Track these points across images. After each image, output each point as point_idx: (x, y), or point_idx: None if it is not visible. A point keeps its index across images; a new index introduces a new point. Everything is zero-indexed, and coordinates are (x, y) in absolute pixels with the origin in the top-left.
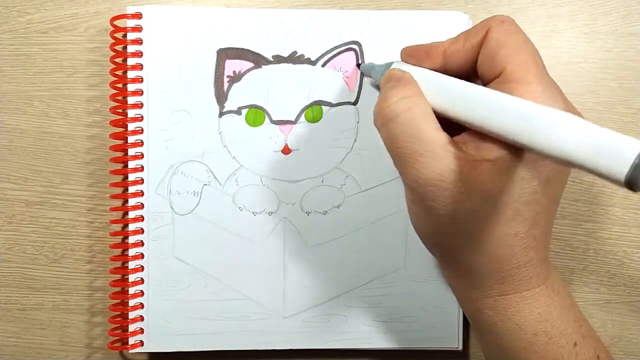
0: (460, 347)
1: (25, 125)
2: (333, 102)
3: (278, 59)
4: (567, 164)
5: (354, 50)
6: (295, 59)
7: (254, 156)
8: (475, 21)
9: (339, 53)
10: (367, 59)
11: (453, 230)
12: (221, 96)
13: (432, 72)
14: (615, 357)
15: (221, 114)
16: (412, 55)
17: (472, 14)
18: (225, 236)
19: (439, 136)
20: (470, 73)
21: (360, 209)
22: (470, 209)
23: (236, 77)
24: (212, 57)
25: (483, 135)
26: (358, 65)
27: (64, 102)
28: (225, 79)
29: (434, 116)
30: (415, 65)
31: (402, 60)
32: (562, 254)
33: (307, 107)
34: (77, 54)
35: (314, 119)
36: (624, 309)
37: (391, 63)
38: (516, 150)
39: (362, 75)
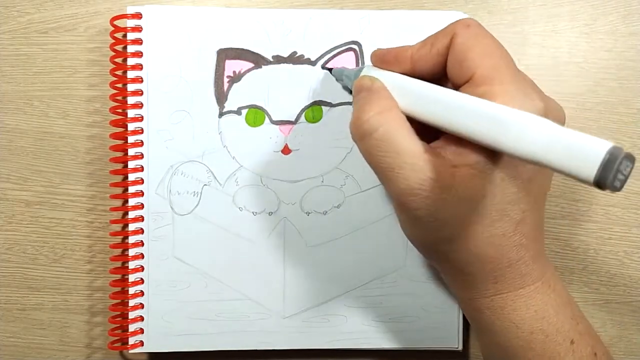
0: (460, 347)
1: (25, 125)
2: (333, 102)
3: (278, 59)
4: (538, 165)
5: (354, 50)
6: (295, 59)
7: (254, 156)
8: None
9: (339, 53)
10: (367, 59)
11: (442, 236)
12: (221, 96)
13: (403, 76)
14: (615, 357)
15: (221, 114)
16: (381, 59)
17: (472, 14)
18: (225, 236)
19: (416, 147)
20: (440, 76)
21: (360, 209)
22: (455, 214)
23: (236, 77)
24: (212, 57)
25: (460, 139)
26: (329, 69)
27: (64, 102)
28: (225, 79)
29: (409, 126)
30: (384, 69)
31: (373, 64)
32: (562, 254)
33: (307, 107)
34: (77, 54)
35: (314, 119)
36: (624, 309)
37: (362, 68)
38: (494, 152)
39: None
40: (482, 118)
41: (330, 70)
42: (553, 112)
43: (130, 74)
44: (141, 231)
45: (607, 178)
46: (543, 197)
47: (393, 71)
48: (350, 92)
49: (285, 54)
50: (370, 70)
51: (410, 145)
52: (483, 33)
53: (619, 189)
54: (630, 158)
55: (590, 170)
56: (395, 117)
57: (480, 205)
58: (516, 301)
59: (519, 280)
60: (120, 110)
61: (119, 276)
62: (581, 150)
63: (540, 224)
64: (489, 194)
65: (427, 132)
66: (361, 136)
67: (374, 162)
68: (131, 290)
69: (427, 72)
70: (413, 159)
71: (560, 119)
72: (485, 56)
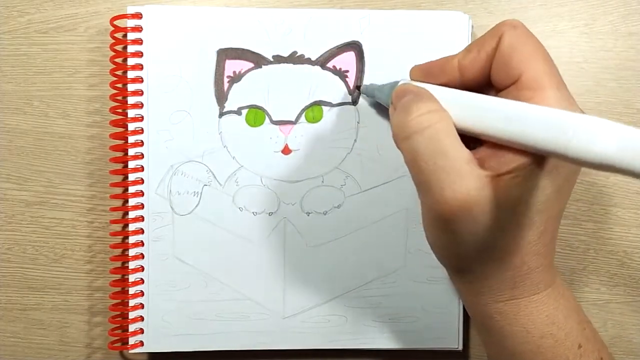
0: (460, 347)
1: (25, 125)
2: (333, 103)
3: (278, 59)
4: (610, 171)
5: (354, 50)
6: (295, 59)
7: (254, 156)
8: (475, 21)
9: (339, 53)
10: (367, 59)
11: (473, 247)
12: (221, 96)
13: (448, 88)
14: (615, 357)
15: (221, 114)
16: (425, 73)
17: (472, 14)
18: (225, 236)
19: (464, 153)
20: (484, 84)
21: (360, 209)
22: (491, 226)
23: (236, 77)
24: (212, 57)
25: (501, 148)
26: (358, 87)
27: (64, 102)
28: (226, 79)
29: (456, 131)
30: (429, 82)
31: (413, 79)
32: (562, 254)
33: (307, 107)
34: (77, 54)
35: (314, 119)
36: (624, 309)
37: (397, 82)
38: (536, 158)
39: (362, 74)
40: (544, 125)
41: (358, 87)
42: None
43: (131, 74)
44: (141, 231)
45: None
46: (564, 206)
47: (436, 84)
48: (382, 107)
49: (285, 53)
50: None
51: (459, 150)
52: (530, 35)
53: None
54: None
55: None
56: (445, 117)
57: (514, 213)
58: (529, 307)
59: (534, 286)
60: (120, 110)
61: (119, 276)
62: None
63: (557, 233)
64: (524, 202)
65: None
66: (408, 134)
67: (420, 163)
68: (131, 290)
69: (475, 79)
70: (461, 164)
71: None
72: (532, 59)
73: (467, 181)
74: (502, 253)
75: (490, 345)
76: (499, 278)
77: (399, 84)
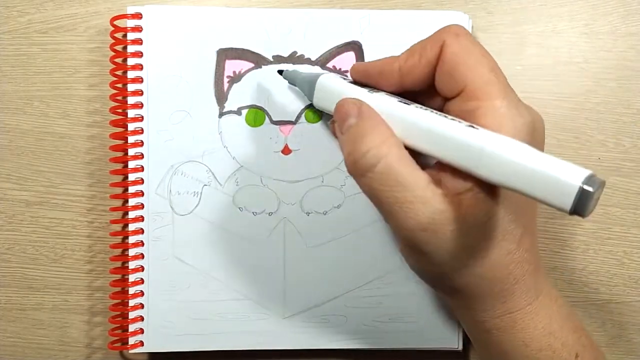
0: (460, 347)
1: (25, 125)
2: None
3: (278, 59)
4: (512, 191)
5: (354, 50)
6: (295, 59)
7: (254, 156)
8: (475, 21)
9: (339, 53)
10: (367, 59)
11: (450, 267)
12: (221, 96)
13: (384, 98)
14: (615, 357)
15: (221, 114)
16: (364, 75)
17: (472, 14)
18: (225, 236)
19: (421, 178)
20: (426, 90)
21: (360, 209)
22: (464, 243)
23: (236, 78)
24: (212, 57)
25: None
26: (280, 72)
27: (64, 102)
28: (226, 79)
29: (409, 155)
30: (367, 84)
31: (354, 80)
32: (562, 254)
33: (307, 107)
34: (77, 54)
35: (314, 119)
36: (624, 309)
37: (318, 75)
38: None
39: None
40: (458, 143)
41: (280, 72)
42: (538, 123)
43: (130, 74)
44: (141, 231)
45: (584, 209)
46: (536, 208)
47: (376, 87)
48: (304, 94)
49: (285, 54)
50: (329, 80)
51: (415, 177)
52: (473, 43)
53: (591, 213)
54: (602, 185)
55: (566, 201)
56: (395, 146)
57: (486, 230)
58: (525, 319)
59: (525, 295)
60: (120, 110)
61: (119, 276)
62: (556, 180)
63: (536, 235)
64: (493, 216)
65: (415, 156)
66: (361, 172)
67: (378, 198)
68: (131, 290)
69: (416, 84)
70: (421, 191)
71: (542, 128)
72: (477, 69)
73: (429, 206)
74: (484, 268)
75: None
76: (488, 294)
77: (321, 77)
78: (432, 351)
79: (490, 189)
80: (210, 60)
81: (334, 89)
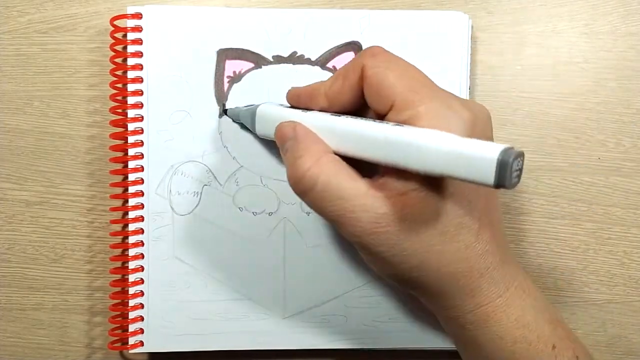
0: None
1: (25, 125)
2: None
3: (278, 59)
4: (446, 177)
5: (354, 50)
6: (295, 59)
7: (254, 156)
8: (475, 21)
9: (338, 53)
10: None
11: (409, 265)
12: (221, 96)
13: (316, 114)
14: (615, 357)
15: (221, 114)
16: (296, 100)
17: (472, 14)
18: (225, 236)
19: (359, 187)
20: (360, 108)
21: None
22: (416, 241)
23: (236, 78)
24: (212, 57)
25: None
26: (224, 111)
27: (64, 102)
28: (226, 79)
29: (346, 167)
30: (301, 108)
31: (289, 102)
32: (562, 254)
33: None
34: (77, 54)
35: None
36: (624, 309)
37: (255, 107)
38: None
39: None
40: (389, 143)
41: (225, 111)
42: (479, 116)
43: (130, 74)
44: (141, 231)
45: (504, 180)
46: (494, 198)
47: (305, 109)
48: (249, 131)
49: (285, 54)
50: (267, 107)
51: (353, 187)
52: (391, 58)
53: (516, 185)
54: (520, 155)
55: (489, 176)
56: (329, 162)
57: (437, 225)
58: (497, 312)
59: (493, 288)
60: (120, 110)
61: (119, 276)
62: (476, 158)
63: (500, 227)
64: (441, 212)
65: (365, 164)
66: (303, 193)
67: (324, 213)
68: (131, 290)
69: (344, 106)
70: (360, 199)
71: (488, 122)
72: (400, 81)
73: (370, 212)
74: (444, 264)
75: (467, 357)
76: (455, 289)
77: (260, 106)
78: (432, 351)
79: (434, 187)
80: (210, 60)
81: (272, 114)
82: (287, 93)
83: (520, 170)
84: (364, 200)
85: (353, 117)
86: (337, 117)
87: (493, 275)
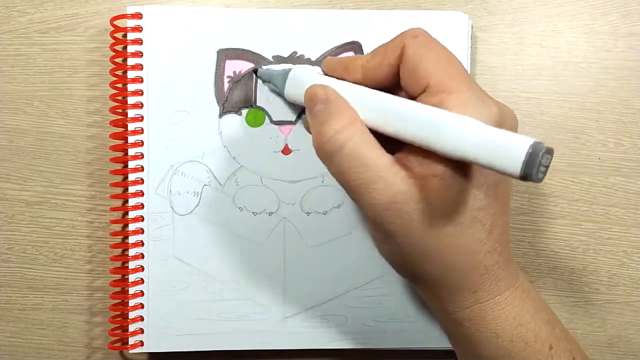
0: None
1: (25, 125)
2: None
3: (278, 59)
4: (471, 163)
5: (354, 50)
6: (295, 59)
7: (254, 156)
8: (475, 21)
9: (338, 53)
10: None
11: (417, 250)
12: (221, 96)
13: (351, 84)
14: (615, 357)
15: (221, 114)
16: (332, 69)
17: (472, 14)
18: (225, 236)
19: (385, 159)
20: (391, 87)
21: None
22: (429, 226)
23: (236, 78)
24: (212, 57)
25: (424, 150)
26: (255, 71)
27: (64, 102)
28: (226, 79)
29: (373, 138)
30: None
31: (324, 72)
32: (561, 254)
33: None
34: (77, 54)
35: None
36: (624, 309)
37: (288, 70)
38: (459, 161)
39: None
40: (420, 122)
41: (255, 71)
42: (508, 117)
43: (131, 74)
44: (141, 231)
45: (531, 172)
46: (508, 200)
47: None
48: (279, 95)
49: (285, 54)
50: (301, 71)
51: (380, 158)
52: (432, 42)
53: (541, 180)
54: (550, 152)
55: (516, 166)
56: (360, 129)
57: (452, 215)
58: (495, 309)
59: (495, 286)
60: (120, 110)
61: (119, 276)
62: (507, 148)
63: (508, 227)
64: (460, 203)
65: (385, 142)
66: (328, 154)
67: (346, 179)
68: (131, 290)
69: (378, 83)
70: (384, 171)
71: (514, 124)
72: (437, 65)
73: (391, 185)
74: (451, 255)
75: (461, 353)
76: (457, 283)
77: (294, 68)
78: (432, 351)
79: (456, 178)
80: (210, 60)
81: (305, 78)
82: (323, 62)
83: (547, 167)
84: (388, 173)
85: (386, 94)
86: (371, 90)
87: (497, 273)
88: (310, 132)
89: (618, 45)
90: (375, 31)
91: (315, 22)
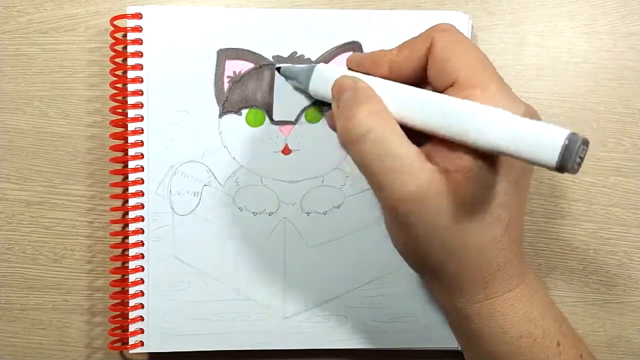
0: (460, 347)
1: (25, 125)
2: None
3: (278, 59)
4: (504, 155)
5: (354, 50)
6: (295, 59)
7: (254, 156)
8: (475, 21)
9: (338, 53)
10: None
11: (434, 244)
12: (221, 96)
13: (378, 78)
14: (615, 357)
15: (221, 114)
16: (358, 64)
17: (472, 14)
18: (225, 236)
19: (411, 150)
20: (417, 81)
21: (360, 209)
22: (451, 221)
23: (236, 77)
24: (212, 57)
25: (449, 144)
26: (278, 69)
27: (64, 102)
28: (226, 79)
29: (400, 129)
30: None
31: (349, 68)
32: (562, 254)
33: (307, 107)
34: (77, 54)
35: (314, 119)
36: (624, 309)
37: (313, 66)
38: (484, 156)
39: None
40: (450, 114)
41: (278, 69)
42: (534, 116)
43: (131, 74)
44: (141, 231)
45: (567, 163)
46: (526, 197)
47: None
48: (302, 92)
49: (285, 54)
50: (327, 67)
51: (406, 148)
52: (461, 37)
53: (577, 172)
54: (586, 143)
55: (552, 156)
56: (388, 117)
57: (474, 211)
58: (505, 306)
59: (506, 283)
60: (120, 110)
61: (119, 276)
62: (543, 138)
63: (522, 226)
64: (482, 199)
65: (410, 136)
66: (354, 140)
67: (370, 166)
68: (131, 290)
69: (405, 77)
70: (410, 162)
71: None
72: (466, 60)
73: (416, 176)
74: (467, 251)
75: (468, 349)
76: (469, 278)
77: (319, 64)
78: (432, 351)
79: (481, 173)
80: (210, 60)
81: (330, 73)
82: (348, 58)
83: (582, 159)
84: (413, 163)
85: (414, 87)
86: (399, 84)
87: (509, 270)
88: (333, 129)
89: (618, 45)
90: (375, 31)
91: (315, 22)
